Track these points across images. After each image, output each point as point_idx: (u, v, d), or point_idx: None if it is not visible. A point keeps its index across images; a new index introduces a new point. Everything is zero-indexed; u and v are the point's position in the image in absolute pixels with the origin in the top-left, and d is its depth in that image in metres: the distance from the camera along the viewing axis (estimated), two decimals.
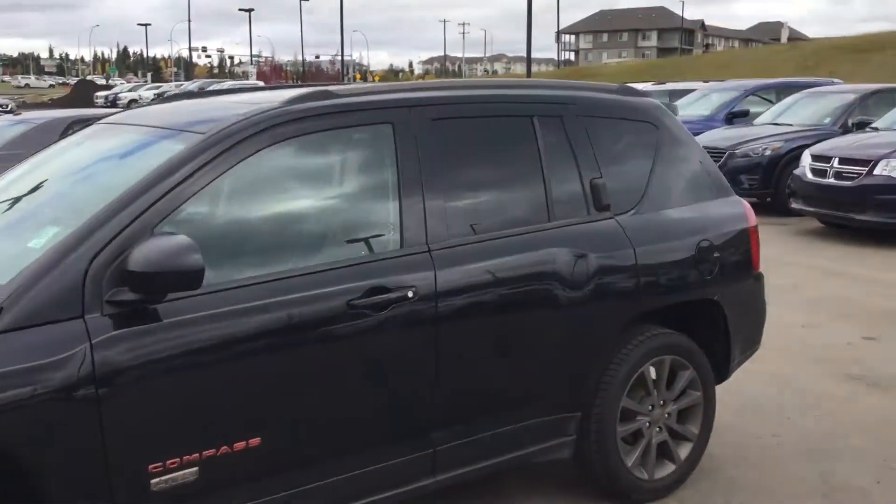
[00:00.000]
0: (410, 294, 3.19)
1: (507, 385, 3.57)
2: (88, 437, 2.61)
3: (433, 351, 3.29)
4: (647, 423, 4.00)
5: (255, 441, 2.93)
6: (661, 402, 4.04)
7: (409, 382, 3.30)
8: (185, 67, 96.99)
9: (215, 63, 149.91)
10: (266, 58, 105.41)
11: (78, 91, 59.46)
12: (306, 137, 3.23)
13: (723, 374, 4.37)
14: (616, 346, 3.86)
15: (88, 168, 3.60)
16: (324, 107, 3.26)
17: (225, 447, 2.87)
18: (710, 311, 4.18)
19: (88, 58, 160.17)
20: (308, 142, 3.25)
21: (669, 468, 4.11)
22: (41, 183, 3.64)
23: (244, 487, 2.96)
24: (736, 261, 4.27)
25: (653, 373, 3.98)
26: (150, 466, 2.73)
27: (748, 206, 4.42)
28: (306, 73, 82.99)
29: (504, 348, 3.53)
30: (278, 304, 2.97)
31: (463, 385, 3.43)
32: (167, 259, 2.62)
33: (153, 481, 2.74)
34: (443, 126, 3.49)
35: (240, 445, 2.90)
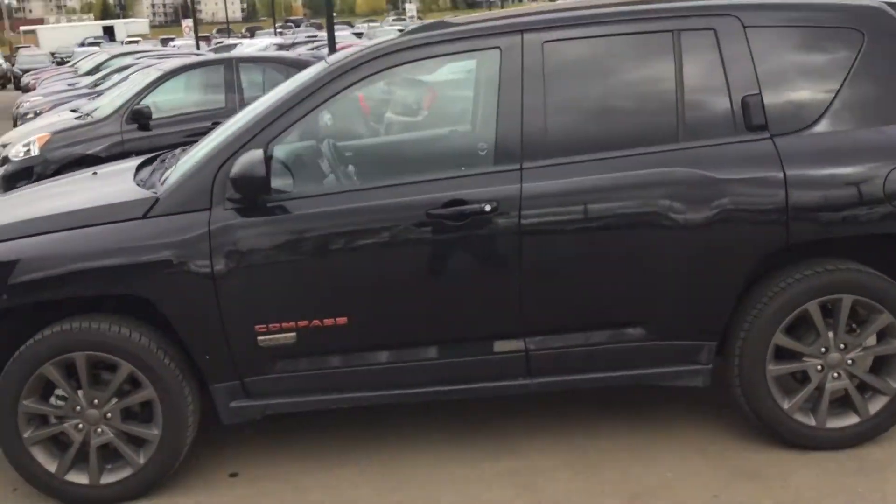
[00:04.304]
0: (488, 207, 3.49)
1: (607, 303, 3.62)
2: (207, 298, 3.52)
3: (517, 261, 3.54)
4: (819, 367, 3.67)
5: (342, 320, 3.57)
6: (842, 345, 3.66)
7: (493, 289, 3.58)
8: None
9: None
10: None
11: None
12: (420, 63, 3.67)
13: None
14: (763, 278, 3.62)
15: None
16: (438, 35, 3.66)
17: (317, 321, 3.56)
18: None
19: None
20: (422, 67, 3.69)
21: (851, 419, 3.73)
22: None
23: (336, 356, 3.64)
24: None
25: (819, 311, 3.62)
26: (257, 326, 3.56)
27: None
28: None
29: (600, 266, 3.58)
30: (365, 209, 3.54)
31: (553, 297, 3.59)
32: (241, 168, 3.38)
33: (259, 338, 3.56)
34: (555, 48, 3.60)
35: (329, 322, 3.56)
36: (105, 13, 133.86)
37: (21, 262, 3.53)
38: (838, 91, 3.60)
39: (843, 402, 3.75)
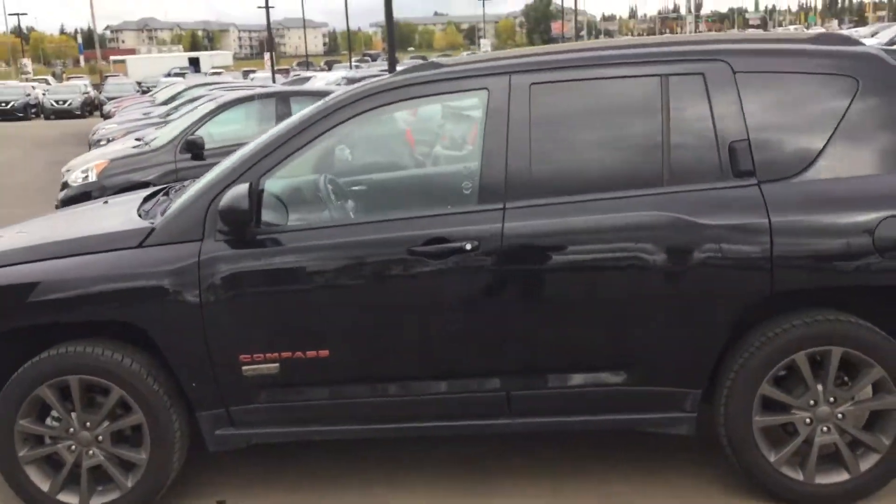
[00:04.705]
0: (469, 246, 3.52)
1: (589, 345, 3.60)
2: (195, 327, 3.62)
3: (497, 301, 3.56)
4: (808, 420, 3.59)
5: (324, 353, 3.63)
6: (831, 398, 3.58)
7: (473, 327, 3.60)
8: None
9: None
10: None
11: None
12: (409, 102, 3.75)
13: None
14: (751, 327, 3.57)
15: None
16: (428, 75, 3.73)
17: (300, 353, 3.63)
18: None
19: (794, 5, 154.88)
20: (412, 106, 3.76)
21: (841, 476, 3.63)
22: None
23: (318, 388, 3.69)
24: None
25: (808, 363, 3.54)
26: (242, 356, 3.64)
27: None
28: None
29: (581, 308, 3.57)
30: (349, 244, 3.61)
31: (532, 338, 3.59)
32: (228, 201, 3.49)
33: (244, 368, 3.64)
34: (542, 90, 3.63)
35: (311, 354, 3.63)
36: (194, 45, 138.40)
37: (22, 286, 3.69)
38: (829, 138, 3.54)
39: (833, 458, 3.65)
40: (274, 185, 3.81)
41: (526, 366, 3.65)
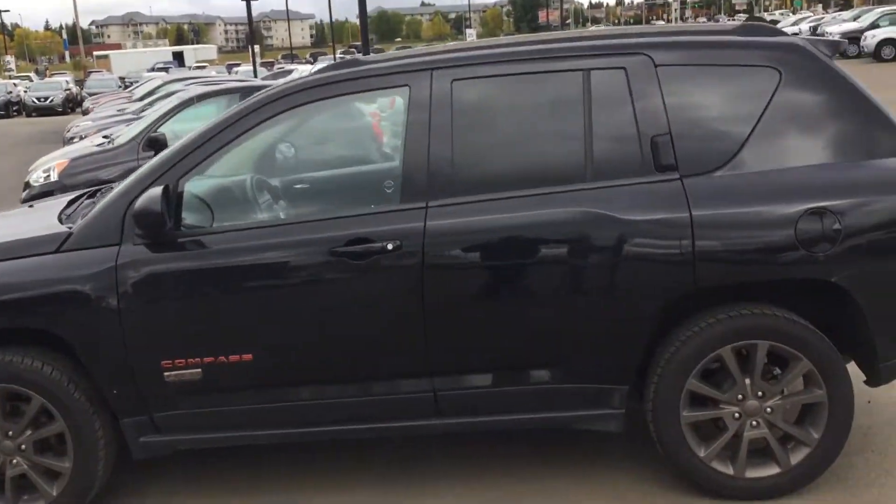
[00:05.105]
0: (390, 246, 3.47)
1: (514, 344, 3.56)
2: (113, 333, 3.55)
3: (421, 300, 3.51)
4: (736, 415, 3.56)
5: (247, 357, 3.58)
6: (759, 393, 3.54)
7: (398, 328, 3.55)
8: None
9: None
10: None
11: None
12: (332, 100, 3.69)
13: (874, 375, 3.60)
14: (676, 322, 3.53)
15: None
16: (348, 73, 3.67)
17: (222, 357, 3.57)
18: (838, 297, 3.48)
19: None
20: (333, 104, 3.71)
21: (772, 469, 3.60)
22: None
23: (243, 393, 3.64)
24: (883, 236, 3.44)
25: (734, 358, 3.51)
26: (163, 362, 3.59)
27: None
28: None
29: (505, 306, 3.52)
30: (270, 246, 3.55)
31: (457, 338, 3.55)
32: (142, 205, 3.43)
33: (165, 374, 3.59)
34: (464, 87, 3.58)
35: (234, 358, 3.57)
36: (180, 39, 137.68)
37: None
38: (752, 131, 3.50)
39: (764, 452, 3.62)
40: (197, 186, 3.75)
41: (452, 365, 3.60)
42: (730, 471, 3.60)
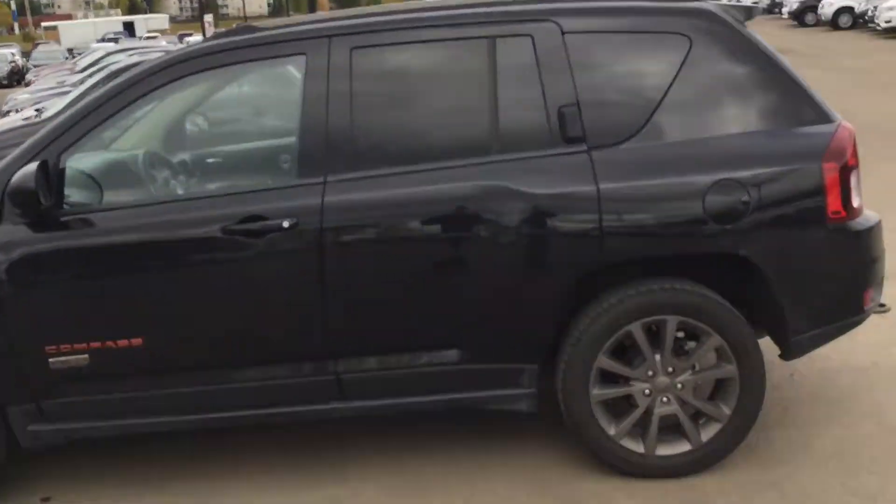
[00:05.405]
0: (286, 224, 3.31)
1: (418, 323, 3.43)
2: None
3: (318, 280, 3.36)
4: (647, 391, 3.46)
5: (137, 341, 3.41)
6: (670, 369, 3.45)
7: (294, 309, 3.41)
8: None
9: None
10: None
11: None
12: (222, 69, 3.50)
13: (785, 349, 3.53)
14: (584, 299, 3.42)
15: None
16: (241, 40, 3.48)
17: (110, 342, 3.40)
18: (748, 271, 3.39)
19: None
20: (227, 73, 3.52)
21: (683, 447, 3.52)
22: None
23: (134, 379, 3.48)
24: (791, 209, 3.34)
25: (644, 334, 3.41)
26: (48, 348, 3.41)
27: (843, 137, 3.38)
28: None
29: (408, 285, 3.39)
30: (159, 224, 3.38)
31: (360, 317, 3.41)
32: (16, 182, 3.23)
33: (50, 360, 3.41)
34: (365, 55, 3.41)
35: (123, 343, 3.40)
36: (132, 9, 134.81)
37: None
38: (661, 101, 3.37)
39: (676, 429, 3.54)
40: (84, 162, 3.55)
41: (354, 347, 3.46)
42: (640, 448, 3.51)
